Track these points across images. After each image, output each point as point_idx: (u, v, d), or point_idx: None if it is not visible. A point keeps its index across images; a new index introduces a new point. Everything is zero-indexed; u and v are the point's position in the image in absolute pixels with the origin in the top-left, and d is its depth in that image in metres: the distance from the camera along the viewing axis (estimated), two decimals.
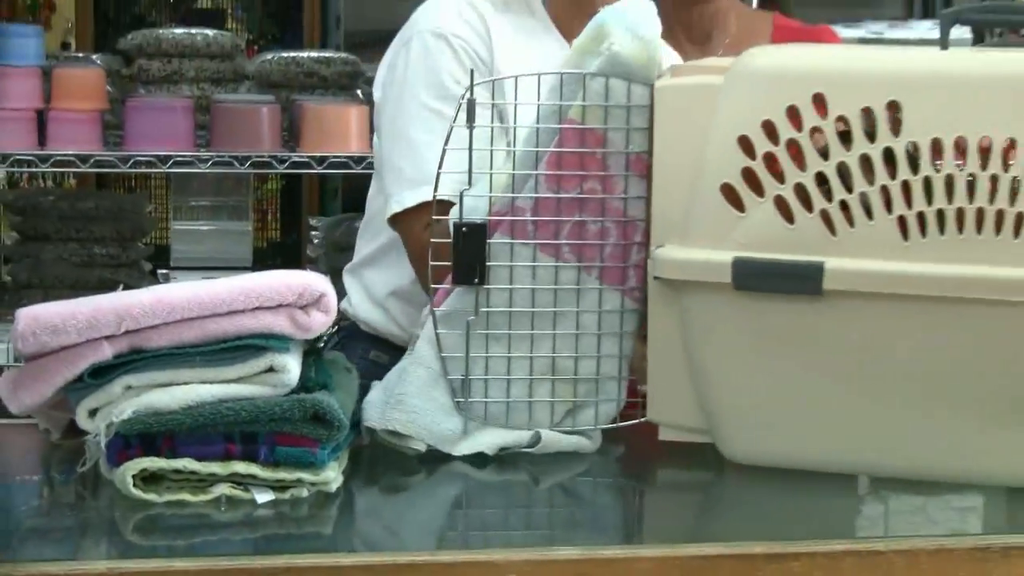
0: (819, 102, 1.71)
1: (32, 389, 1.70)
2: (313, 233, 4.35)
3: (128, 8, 6.03)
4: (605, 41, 1.82)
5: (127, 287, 1.77)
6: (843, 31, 3.60)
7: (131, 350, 1.67)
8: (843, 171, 1.71)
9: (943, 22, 1.84)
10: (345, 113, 4.04)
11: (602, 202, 1.84)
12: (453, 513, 1.79)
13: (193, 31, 3.95)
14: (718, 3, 2.78)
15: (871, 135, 1.70)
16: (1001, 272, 1.67)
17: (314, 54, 4.37)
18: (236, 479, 1.65)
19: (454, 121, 1.82)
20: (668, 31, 2.79)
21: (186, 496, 1.63)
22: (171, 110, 3.65)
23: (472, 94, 1.80)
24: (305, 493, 1.66)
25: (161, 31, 3.94)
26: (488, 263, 1.82)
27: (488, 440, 1.84)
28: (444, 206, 1.92)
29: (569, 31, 2.23)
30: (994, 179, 1.67)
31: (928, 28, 4.22)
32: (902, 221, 1.70)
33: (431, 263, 1.84)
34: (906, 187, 1.69)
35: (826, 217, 1.72)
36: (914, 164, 1.69)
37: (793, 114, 1.72)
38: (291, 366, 1.69)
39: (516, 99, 1.85)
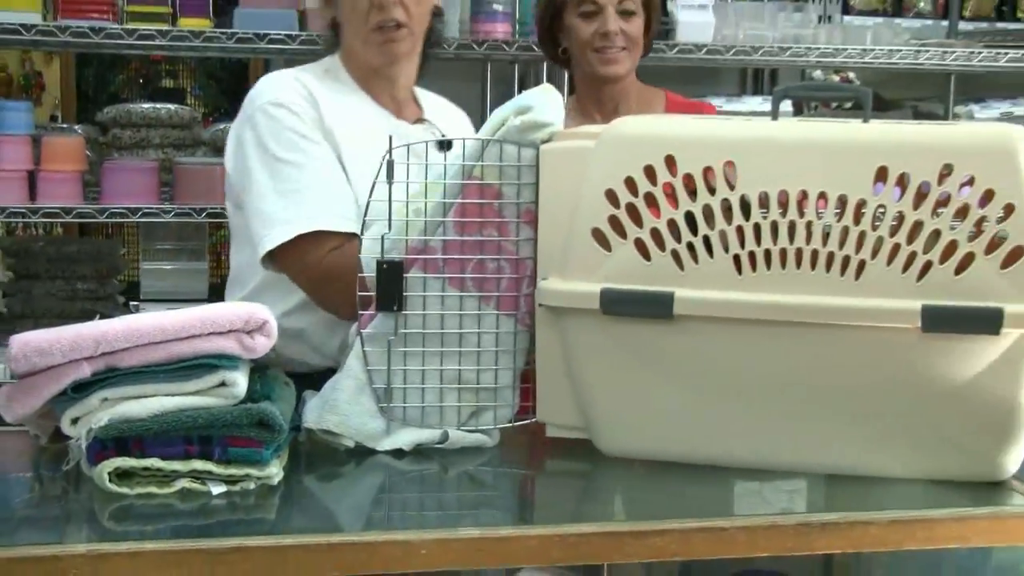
0: (670, 162, 1.72)
1: (24, 402, 1.70)
2: None
3: (104, 87, 5.98)
4: (518, 116, 1.84)
5: (103, 316, 1.75)
6: None
7: (107, 368, 1.66)
8: (689, 218, 1.72)
9: (775, 97, 1.85)
10: None
11: (498, 244, 1.85)
12: (376, 499, 1.78)
13: (158, 106, 3.91)
14: (622, 84, 2.84)
15: (712, 189, 1.71)
16: (814, 300, 1.69)
17: None
18: (195, 475, 1.65)
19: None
20: (583, 107, 2.85)
21: (153, 489, 1.63)
22: (140, 171, 3.61)
23: (391, 156, 1.81)
24: (252, 486, 1.66)
25: (131, 106, 3.89)
26: (405, 293, 1.83)
27: (406, 438, 1.85)
28: (325, 235, 2.03)
29: (370, 90, 2.27)
30: (809, 225, 1.69)
31: (759, 103, 4.26)
32: (737, 259, 1.71)
33: (359, 293, 1.83)
34: (740, 231, 1.70)
35: (676, 255, 1.73)
36: (746, 213, 1.70)
37: (649, 172, 1.72)
38: (240, 381, 1.69)
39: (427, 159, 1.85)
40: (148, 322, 1.68)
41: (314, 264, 2.10)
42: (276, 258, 2.12)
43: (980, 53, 4.12)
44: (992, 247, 1.66)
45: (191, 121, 4.01)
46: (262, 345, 1.72)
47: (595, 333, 1.77)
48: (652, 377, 1.77)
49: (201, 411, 1.66)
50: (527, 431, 1.90)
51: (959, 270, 1.66)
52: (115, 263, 3.97)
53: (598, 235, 1.75)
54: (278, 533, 1.53)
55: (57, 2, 3.44)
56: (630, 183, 1.73)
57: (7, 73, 6.16)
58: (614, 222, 1.74)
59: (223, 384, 1.68)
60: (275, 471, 1.68)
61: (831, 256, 1.69)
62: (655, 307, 1.72)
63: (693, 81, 3.00)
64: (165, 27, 3.46)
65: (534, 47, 3.62)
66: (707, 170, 1.71)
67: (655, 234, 1.73)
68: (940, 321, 1.66)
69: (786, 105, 3.23)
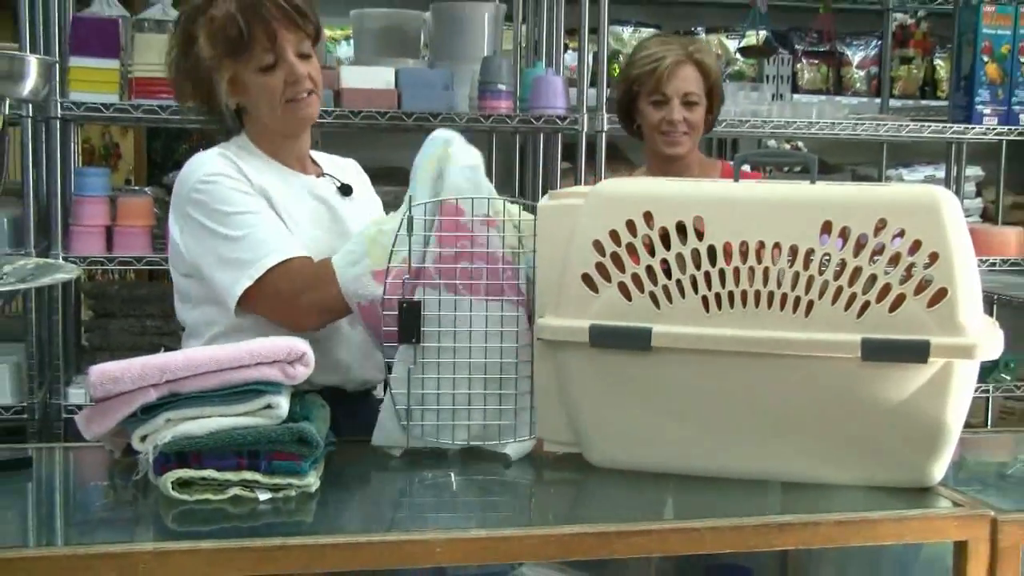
0: (648, 217, 1.72)
1: (100, 422, 1.70)
2: None
3: (170, 155, 5.99)
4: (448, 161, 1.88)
5: (167, 349, 1.75)
6: None
7: (170, 394, 1.66)
8: (664, 264, 1.72)
9: (736, 163, 1.86)
10: None
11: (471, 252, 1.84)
12: (398, 504, 1.77)
13: None
14: (687, 159, 2.88)
15: (684, 240, 1.71)
16: (770, 334, 1.68)
17: None
18: (244, 483, 1.64)
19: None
20: (652, 175, 2.89)
21: (209, 496, 1.62)
22: None
23: (411, 212, 1.81)
24: (293, 493, 1.65)
25: None
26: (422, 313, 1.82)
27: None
28: (299, 260, 2.01)
29: (278, 156, 2.20)
30: (766, 270, 1.68)
31: None
32: (705, 299, 1.71)
33: (384, 328, 1.83)
34: (707, 276, 1.70)
35: (653, 296, 1.72)
36: (713, 260, 1.70)
37: (630, 225, 1.72)
38: (282, 404, 1.69)
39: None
40: (205, 354, 1.68)
41: (296, 282, 2.02)
42: (250, 296, 2.03)
43: (907, 125, 4.13)
44: (920, 289, 1.65)
45: None
46: (301, 373, 1.72)
47: (585, 362, 1.76)
48: (634, 399, 1.76)
49: (250, 430, 1.65)
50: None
51: (892, 308, 1.66)
52: None
53: (587, 279, 1.75)
54: (315, 534, 1.53)
55: (131, 84, 3.45)
56: (614, 235, 1.73)
57: (90, 144, 6.17)
58: (600, 268, 1.74)
59: (268, 407, 1.68)
60: (313, 480, 1.67)
61: (784, 297, 1.69)
62: (636, 340, 1.72)
63: None
64: None
65: (532, 120, 3.65)
66: (679, 224, 1.71)
67: (635, 278, 1.73)
68: (877, 352, 1.65)
69: (746, 169, 3.23)
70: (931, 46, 4.95)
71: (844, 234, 1.67)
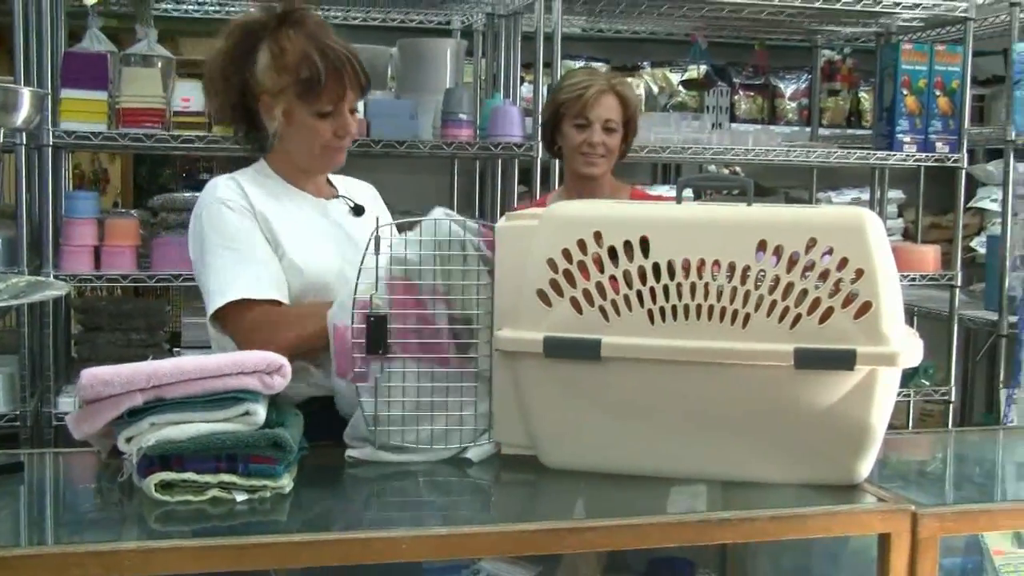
0: (597, 237, 1.72)
1: (89, 423, 1.68)
2: None
3: (155, 180, 5.96)
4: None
5: (155, 358, 1.74)
6: None
7: (156, 398, 1.64)
8: (612, 280, 1.72)
9: (679, 186, 1.87)
10: None
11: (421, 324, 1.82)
12: (367, 503, 1.76)
13: (197, 194, 3.88)
14: (601, 180, 2.92)
15: (630, 257, 1.71)
16: (711, 344, 1.69)
17: None
18: (223, 485, 1.62)
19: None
20: (569, 195, 2.93)
21: (190, 497, 1.61)
22: (182, 245, 3.56)
23: (378, 232, 1.80)
24: (268, 494, 1.64)
25: (176, 194, 3.85)
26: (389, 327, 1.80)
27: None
28: (252, 301, 2.03)
29: (295, 182, 2.22)
30: (706, 285, 1.69)
31: (666, 190, 4.28)
32: (651, 312, 1.71)
33: (352, 341, 1.81)
34: (652, 291, 1.70)
35: (602, 310, 1.72)
36: (657, 276, 1.70)
37: (581, 245, 1.72)
38: (260, 411, 1.67)
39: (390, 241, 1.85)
40: (189, 363, 1.66)
41: (246, 322, 2.07)
42: (218, 318, 2.10)
43: (835, 152, 4.17)
44: (847, 302, 1.66)
45: None
46: (279, 383, 1.71)
47: (539, 371, 1.76)
48: (584, 405, 1.76)
49: (228, 435, 1.64)
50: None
51: (822, 320, 1.67)
52: (162, 318, 3.93)
53: (541, 294, 1.75)
54: (289, 532, 1.52)
55: (119, 114, 3.43)
56: (566, 253, 1.73)
57: (80, 169, 6.11)
58: (554, 284, 1.74)
59: (247, 413, 1.66)
60: (287, 482, 1.66)
61: (724, 310, 1.69)
62: (586, 351, 1.72)
63: (617, 173, 3.03)
64: (203, 133, 3.45)
65: (491, 147, 3.65)
66: (626, 242, 1.71)
67: (586, 293, 1.73)
68: (808, 360, 1.66)
69: (688, 192, 3.25)
70: (856, 80, 5.00)
71: (778, 252, 1.68)
